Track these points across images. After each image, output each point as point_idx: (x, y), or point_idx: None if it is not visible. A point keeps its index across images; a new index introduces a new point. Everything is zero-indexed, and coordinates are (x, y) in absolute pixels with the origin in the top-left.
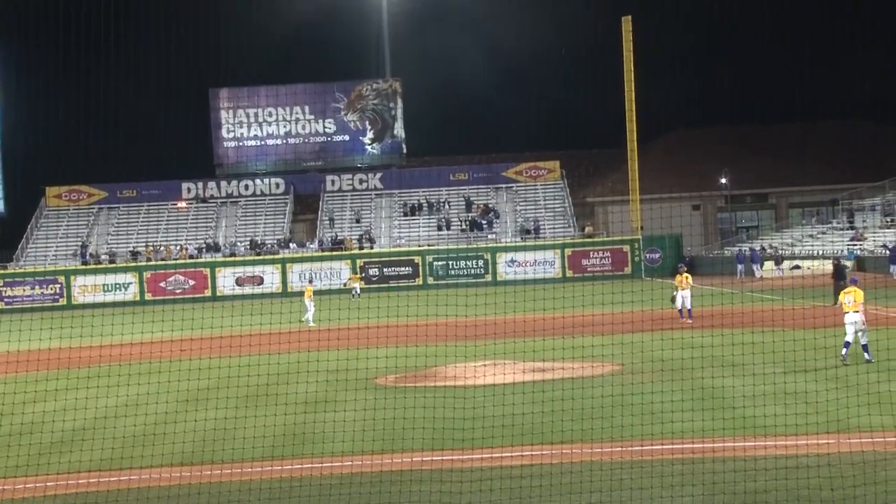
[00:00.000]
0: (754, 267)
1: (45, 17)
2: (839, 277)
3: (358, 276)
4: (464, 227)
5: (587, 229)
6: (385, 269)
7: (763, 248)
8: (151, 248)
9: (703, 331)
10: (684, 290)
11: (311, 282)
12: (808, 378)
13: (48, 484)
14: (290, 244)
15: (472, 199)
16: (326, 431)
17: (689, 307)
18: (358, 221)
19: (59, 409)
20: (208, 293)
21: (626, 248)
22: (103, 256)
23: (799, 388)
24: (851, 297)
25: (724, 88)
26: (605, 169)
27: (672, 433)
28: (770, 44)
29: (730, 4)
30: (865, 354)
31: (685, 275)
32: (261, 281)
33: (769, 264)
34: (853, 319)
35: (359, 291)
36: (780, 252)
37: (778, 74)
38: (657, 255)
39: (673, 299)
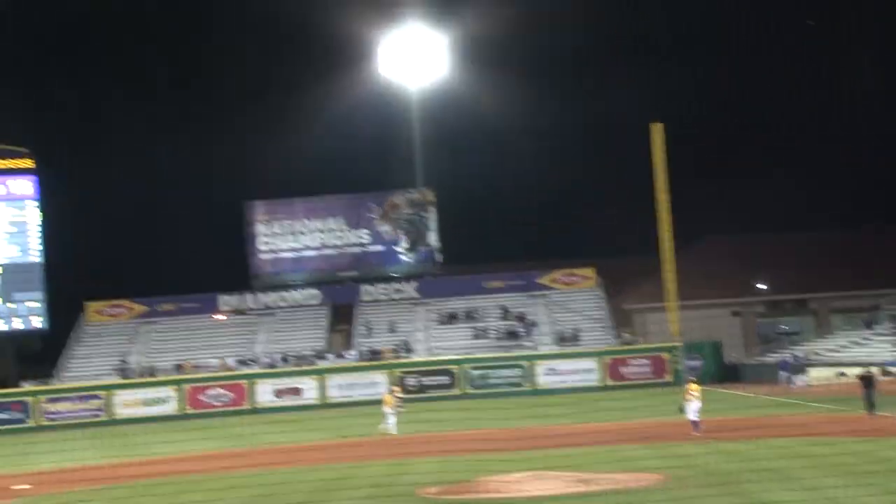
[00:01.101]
0: (789, 375)
1: (86, 135)
2: (867, 386)
3: (399, 388)
4: (500, 335)
5: (626, 337)
6: (423, 379)
7: (798, 356)
8: (191, 363)
9: (749, 442)
10: (693, 402)
11: (391, 391)
12: (867, 492)
13: None
14: (328, 355)
15: (507, 306)
16: None
17: (696, 419)
18: (392, 331)
19: None
20: (247, 405)
21: (666, 355)
22: (143, 370)
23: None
24: None
25: (761, 195)
26: (642, 276)
27: None
28: (806, 151)
29: (760, 111)
30: None
31: (692, 385)
32: (299, 392)
33: (815, 371)
34: None
35: (401, 405)
36: (811, 359)
37: (816, 181)
38: (697, 363)
39: (681, 409)
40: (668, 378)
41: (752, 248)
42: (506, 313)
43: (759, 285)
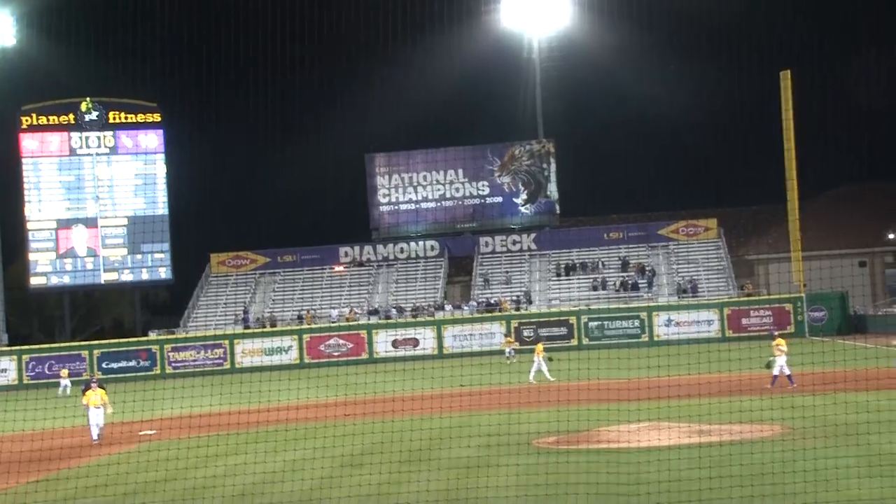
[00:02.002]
0: None
1: (209, 90)
2: None
3: (511, 338)
4: (619, 287)
5: (746, 287)
6: (540, 330)
7: None
8: (311, 313)
9: (876, 393)
10: (780, 357)
11: (539, 340)
12: None
13: None
14: (445, 306)
15: (627, 258)
16: (487, 496)
17: (787, 373)
18: (508, 283)
19: (223, 473)
20: (366, 356)
21: (789, 306)
22: (265, 320)
23: None
24: None
25: (892, 142)
26: (765, 225)
27: (848, 500)
28: None
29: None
30: None
31: (778, 340)
32: (417, 343)
33: None
34: None
35: (513, 353)
36: None
37: None
38: (822, 314)
39: (769, 364)
40: (791, 329)
41: (881, 198)
42: (625, 265)
43: (889, 235)
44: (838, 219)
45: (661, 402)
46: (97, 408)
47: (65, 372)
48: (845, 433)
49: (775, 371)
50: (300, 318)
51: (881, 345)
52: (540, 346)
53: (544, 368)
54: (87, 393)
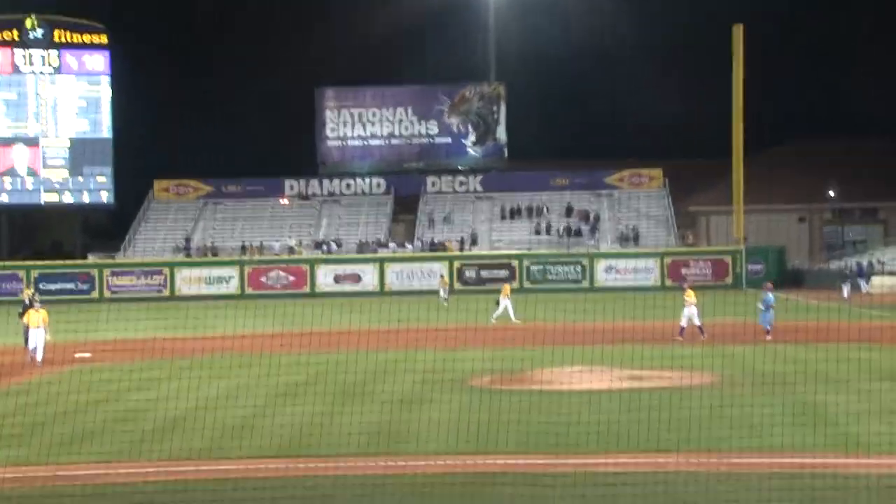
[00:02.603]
0: (861, 282)
1: (158, 14)
2: None
3: (446, 279)
4: (562, 232)
5: (688, 238)
6: (482, 272)
7: (871, 264)
8: (253, 244)
9: (805, 345)
10: (689, 308)
11: (507, 281)
12: None
13: (147, 471)
14: (390, 244)
15: (572, 204)
16: (419, 430)
17: (697, 324)
18: (452, 223)
19: (160, 397)
20: (307, 289)
21: (728, 258)
22: (206, 249)
23: None
24: None
25: (836, 100)
26: (709, 179)
27: (770, 447)
28: (882, 54)
29: (843, 15)
30: None
31: (688, 292)
32: (359, 279)
33: (878, 279)
34: None
35: (446, 296)
36: (876, 268)
37: (891, 85)
38: (760, 267)
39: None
40: (729, 281)
41: (822, 155)
42: (569, 211)
43: (829, 192)
44: (780, 175)
45: (597, 347)
46: (37, 328)
47: None
48: (773, 382)
49: (683, 322)
50: (244, 248)
51: (816, 299)
52: (507, 287)
53: (510, 310)
54: (29, 312)
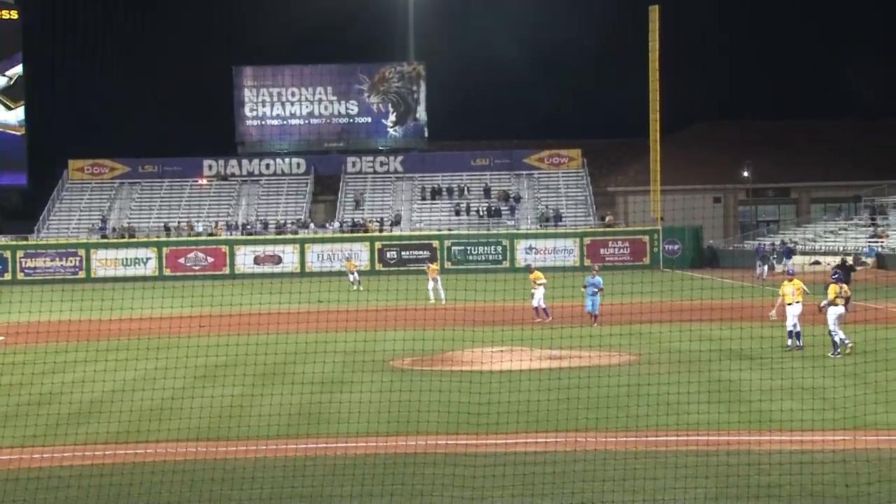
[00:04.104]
0: (773, 261)
1: None
2: (846, 274)
3: (353, 262)
4: (483, 213)
5: (607, 219)
6: (403, 253)
7: (776, 244)
8: (171, 226)
9: (720, 324)
10: (538, 290)
11: (431, 261)
12: (825, 374)
13: (63, 455)
14: (310, 225)
15: (491, 185)
16: (340, 412)
17: (543, 306)
18: (375, 204)
19: (76, 380)
20: (227, 271)
21: (646, 238)
22: (123, 230)
23: (816, 384)
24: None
25: (751, 83)
26: (628, 159)
27: (686, 424)
28: (797, 39)
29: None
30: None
31: (536, 274)
32: (279, 260)
33: (791, 259)
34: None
35: (357, 278)
36: (789, 247)
37: (805, 70)
38: (677, 247)
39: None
40: (647, 261)
41: (738, 136)
42: (489, 191)
43: (743, 173)
44: (696, 155)
45: (517, 327)
46: None
47: None
48: (689, 360)
49: (534, 303)
50: (167, 229)
51: (731, 278)
52: (433, 267)
53: (440, 288)
54: None
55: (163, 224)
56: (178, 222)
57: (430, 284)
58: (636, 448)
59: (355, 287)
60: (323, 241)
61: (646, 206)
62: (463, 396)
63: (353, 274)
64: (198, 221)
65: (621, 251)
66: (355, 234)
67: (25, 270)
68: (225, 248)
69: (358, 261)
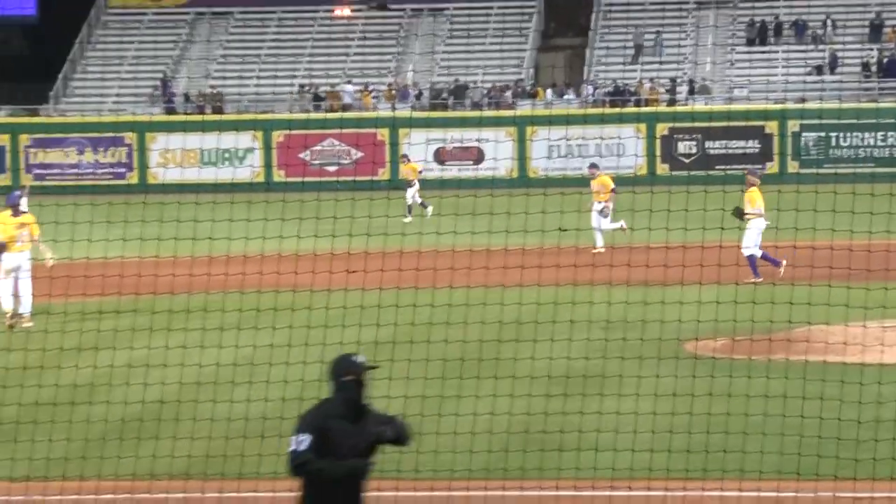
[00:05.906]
0: None
1: None
2: None
3: (415, 165)
4: (872, 67)
5: None
6: (709, 144)
7: None
8: (296, 87)
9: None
10: None
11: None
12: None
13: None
14: (534, 93)
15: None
16: (605, 437)
17: None
18: (636, 56)
19: (134, 362)
20: (384, 174)
21: None
22: (203, 100)
23: None
24: None
25: None
26: None
27: None
28: None
29: None
30: None
31: None
32: (479, 156)
33: None
34: None
35: (416, 197)
36: None
37: None
38: None
39: None
40: None
41: None
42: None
43: None
44: None
45: None
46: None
47: None
48: None
49: None
50: (281, 98)
51: None
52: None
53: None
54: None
55: (271, 90)
56: (300, 86)
57: (409, 192)
58: None
59: (423, 211)
60: (557, 120)
61: None
62: (847, 411)
63: (411, 186)
64: (336, 85)
65: None
66: (624, 110)
67: (34, 170)
68: (383, 133)
69: (625, 157)
